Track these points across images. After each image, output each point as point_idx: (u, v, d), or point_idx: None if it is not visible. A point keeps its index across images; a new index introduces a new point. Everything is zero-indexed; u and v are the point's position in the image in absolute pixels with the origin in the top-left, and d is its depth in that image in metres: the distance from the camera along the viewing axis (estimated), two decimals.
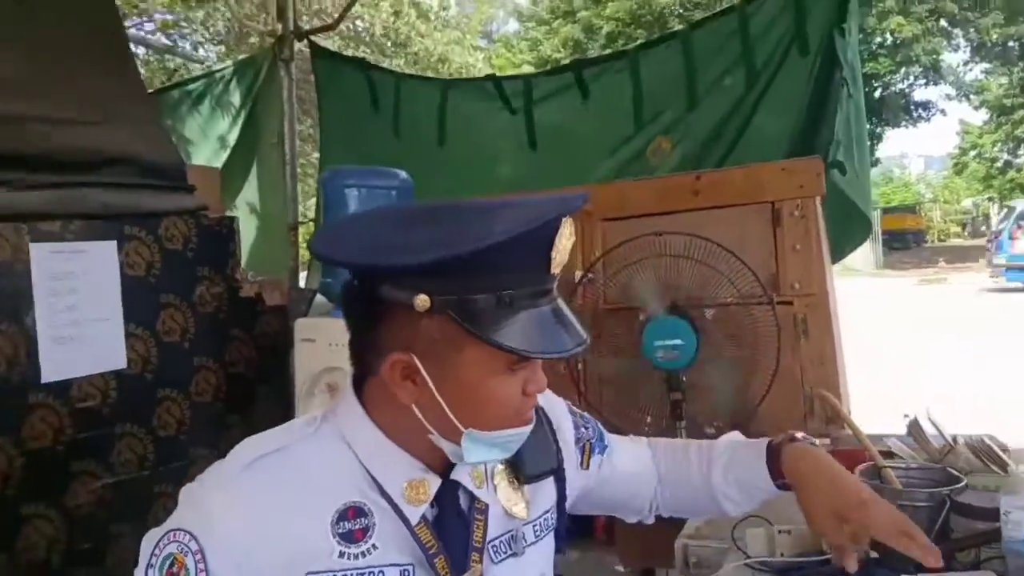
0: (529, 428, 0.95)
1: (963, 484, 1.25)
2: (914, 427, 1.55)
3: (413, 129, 3.84)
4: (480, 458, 0.93)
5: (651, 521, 1.26)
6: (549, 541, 1.07)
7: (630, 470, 1.21)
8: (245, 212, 4.23)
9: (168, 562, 0.89)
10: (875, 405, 1.97)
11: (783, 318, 2.38)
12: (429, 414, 0.90)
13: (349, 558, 0.91)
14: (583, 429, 1.17)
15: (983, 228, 22.95)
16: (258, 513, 0.89)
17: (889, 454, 1.51)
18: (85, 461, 2.05)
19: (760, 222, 2.53)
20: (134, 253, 2.25)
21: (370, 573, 0.91)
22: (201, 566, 0.88)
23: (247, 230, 3.85)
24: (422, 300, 0.85)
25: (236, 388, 2.47)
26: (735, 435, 1.24)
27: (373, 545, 0.92)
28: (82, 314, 2.08)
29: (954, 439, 1.48)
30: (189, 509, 0.92)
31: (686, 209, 2.56)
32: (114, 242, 2.18)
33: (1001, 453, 1.35)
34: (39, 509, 1.94)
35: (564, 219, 0.88)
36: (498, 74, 4.77)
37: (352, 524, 0.91)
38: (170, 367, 2.30)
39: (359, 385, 0.98)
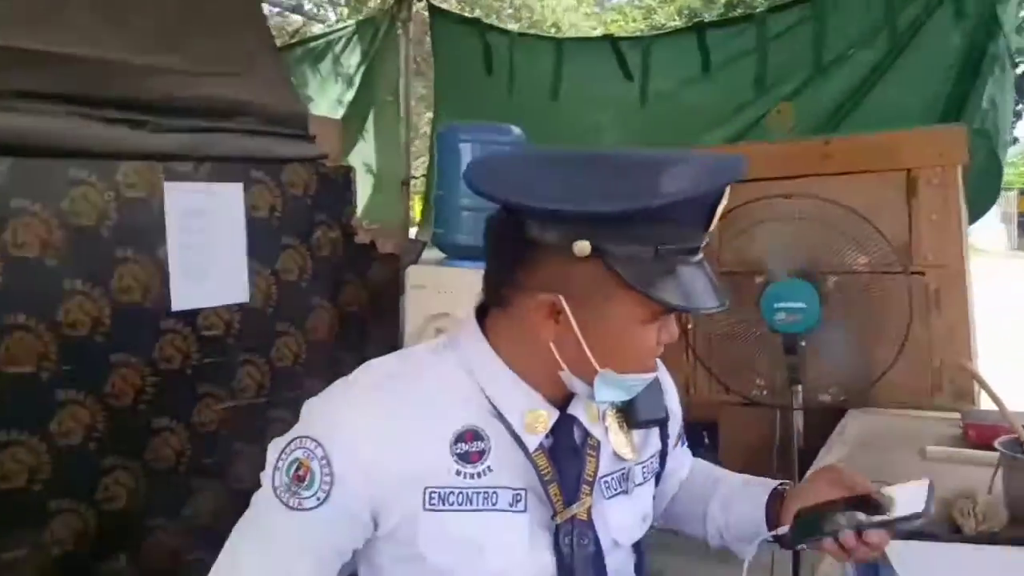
0: (653, 375, 0.97)
1: None
2: None
3: (527, 88, 3.82)
4: (608, 397, 0.95)
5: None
6: (652, 485, 1.09)
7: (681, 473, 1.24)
8: (360, 167, 4.34)
9: (294, 466, 0.91)
10: (1008, 388, 1.84)
11: (914, 289, 2.26)
12: (566, 352, 0.91)
13: (465, 477, 0.92)
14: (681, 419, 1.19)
15: None
16: (383, 427, 0.91)
17: None
18: (209, 384, 2.16)
19: (892, 190, 2.42)
20: (258, 196, 2.32)
21: (485, 493, 0.93)
22: (327, 471, 0.90)
23: (362, 184, 3.94)
24: (583, 246, 0.85)
25: (349, 328, 2.53)
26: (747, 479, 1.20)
27: (488, 467, 0.93)
28: (210, 250, 2.18)
29: None
30: (316, 419, 0.94)
31: (814, 174, 2.46)
32: (240, 184, 2.26)
33: None
34: (168, 423, 2.06)
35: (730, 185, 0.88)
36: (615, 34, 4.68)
37: (469, 446, 0.93)
38: (288, 304, 2.38)
39: (481, 315, 0.99)
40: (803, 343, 2.17)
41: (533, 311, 0.90)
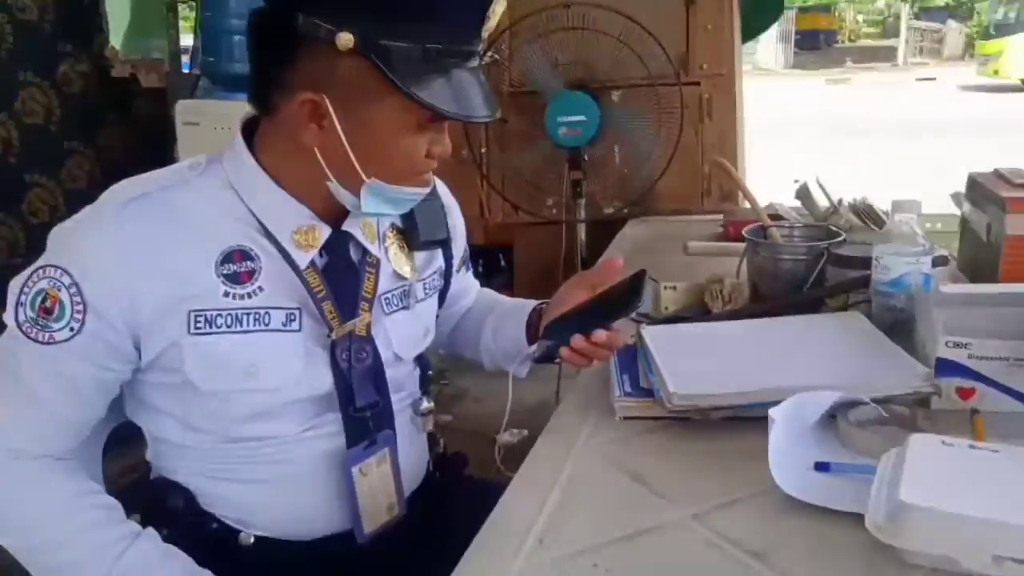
0: (426, 191, 0.95)
1: (841, 239, 1.29)
2: (802, 192, 1.58)
3: None
4: (376, 209, 0.92)
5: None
6: (434, 301, 1.10)
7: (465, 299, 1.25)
8: None
9: (40, 298, 0.85)
10: (770, 189, 2.02)
11: (689, 98, 2.36)
12: (331, 160, 0.88)
13: (235, 298, 0.89)
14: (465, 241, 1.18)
15: (894, 28, 23.03)
16: (137, 248, 0.85)
17: (777, 216, 1.54)
18: None
19: (674, 1, 2.44)
20: None
21: (256, 314, 0.90)
22: (77, 299, 0.84)
23: (119, 10, 3.48)
24: (346, 38, 0.80)
25: (113, 175, 2.31)
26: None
27: (259, 287, 0.90)
28: None
29: (839, 201, 1.52)
30: (61, 246, 0.87)
31: None
32: None
33: (880, 212, 1.39)
34: None
35: None
36: None
37: (237, 267, 0.90)
38: (36, 151, 2.13)
39: (249, 131, 0.94)
40: (586, 157, 2.23)
41: (296, 113, 0.86)
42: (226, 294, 0.88)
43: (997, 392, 0.95)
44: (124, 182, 0.91)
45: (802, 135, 8.97)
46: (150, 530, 0.92)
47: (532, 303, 1.15)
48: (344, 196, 0.91)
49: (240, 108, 2.32)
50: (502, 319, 1.17)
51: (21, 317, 0.85)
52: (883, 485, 0.73)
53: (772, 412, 0.83)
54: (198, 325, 0.87)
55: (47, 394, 0.87)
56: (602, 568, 0.71)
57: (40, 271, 0.86)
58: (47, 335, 0.85)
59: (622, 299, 0.98)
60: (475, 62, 0.88)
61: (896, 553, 0.69)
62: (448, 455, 1.17)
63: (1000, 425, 0.91)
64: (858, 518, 0.71)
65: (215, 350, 0.88)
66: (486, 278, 2.84)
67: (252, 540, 0.95)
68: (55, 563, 0.89)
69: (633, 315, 1.24)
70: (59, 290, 0.84)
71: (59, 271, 0.84)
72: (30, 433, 0.89)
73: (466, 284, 1.23)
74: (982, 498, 0.69)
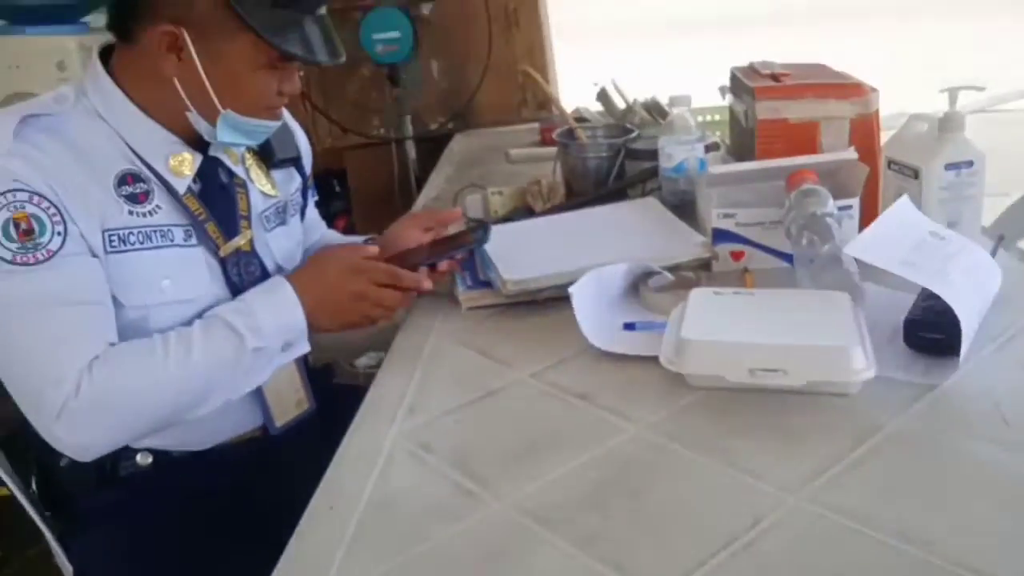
0: (277, 124, 1.04)
1: (635, 135, 1.48)
2: (602, 95, 1.76)
3: None
4: (230, 139, 1.00)
5: None
6: (299, 218, 1.21)
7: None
8: None
9: (10, 227, 0.86)
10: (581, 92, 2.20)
11: (495, 11, 2.47)
12: (189, 90, 0.95)
13: (138, 216, 0.95)
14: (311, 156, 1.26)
15: None
16: (52, 165, 0.89)
17: (582, 119, 1.72)
18: None
19: None
20: None
21: (160, 230, 0.97)
22: (45, 204, 0.87)
23: None
24: None
25: None
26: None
27: (157, 206, 0.97)
28: None
29: (633, 101, 1.71)
30: None
31: None
32: None
33: (665, 107, 1.60)
34: None
35: None
36: None
37: (133, 188, 0.96)
38: None
39: (106, 58, 0.98)
40: (404, 74, 2.31)
41: (155, 43, 0.92)
42: (131, 212, 0.94)
43: (760, 251, 1.18)
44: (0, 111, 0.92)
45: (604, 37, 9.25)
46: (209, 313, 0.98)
47: (359, 240, 1.27)
48: (203, 126, 0.98)
49: (33, 45, 2.17)
50: None
51: (6, 255, 0.86)
52: (672, 330, 0.94)
53: (571, 289, 1.00)
54: (113, 244, 0.93)
55: (75, 297, 0.89)
56: (463, 423, 0.88)
57: None
58: (43, 251, 0.87)
59: (468, 239, 1.14)
60: (322, 10, 0.98)
61: (684, 380, 0.89)
62: (318, 367, 1.28)
63: (764, 279, 1.13)
64: (656, 360, 0.90)
65: (132, 266, 0.94)
66: (324, 204, 2.86)
67: (150, 459, 1.02)
68: (198, 395, 0.95)
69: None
70: (23, 208, 0.86)
71: (9, 195, 0.86)
72: (89, 338, 0.90)
73: (314, 216, 1.32)
74: (740, 328, 0.90)
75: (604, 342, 0.98)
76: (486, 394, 0.93)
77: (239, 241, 1.05)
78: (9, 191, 0.86)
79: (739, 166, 1.24)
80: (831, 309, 0.92)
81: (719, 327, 0.91)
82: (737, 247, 1.18)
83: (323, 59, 0.98)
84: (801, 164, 1.15)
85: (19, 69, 2.10)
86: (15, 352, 0.89)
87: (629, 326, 1.04)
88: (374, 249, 1.09)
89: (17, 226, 0.86)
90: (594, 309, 1.03)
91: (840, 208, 1.09)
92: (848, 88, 1.25)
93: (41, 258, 0.87)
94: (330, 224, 1.44)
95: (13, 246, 0.86)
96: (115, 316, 0.94)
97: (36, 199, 0.87)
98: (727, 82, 1.46)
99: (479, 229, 1.16)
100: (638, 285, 1.13)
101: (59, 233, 0.88)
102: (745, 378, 0.86)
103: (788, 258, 1.13)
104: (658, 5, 12.05)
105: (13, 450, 1.09)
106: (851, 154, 1.17)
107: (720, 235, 1.17)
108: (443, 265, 1.13)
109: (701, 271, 1.17)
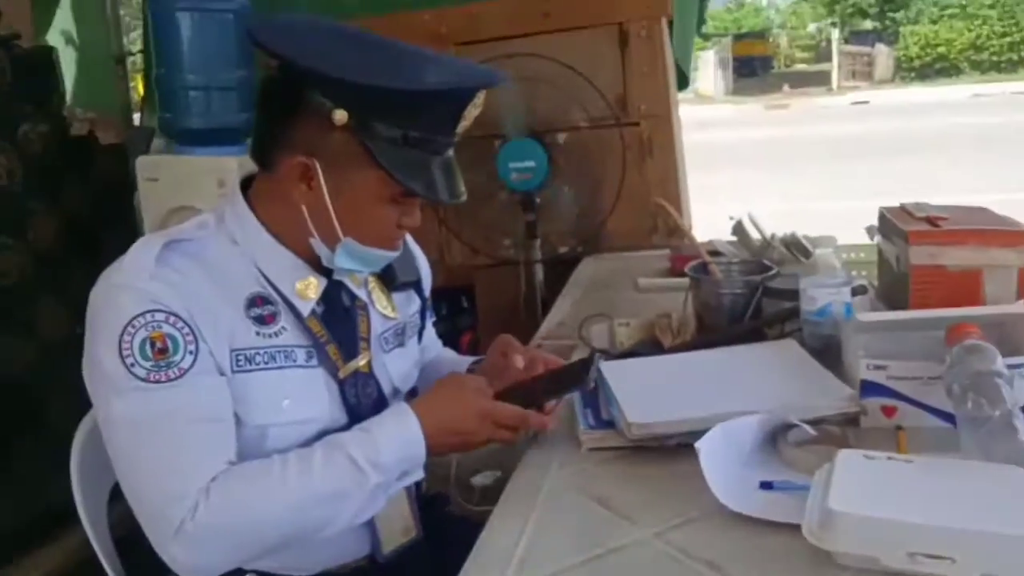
0: (395, 254, 1.07)
1: (774, 272, 1.41)
2: (737, 228, 1.71)
3: None
4: (347, 265, 1.03)
5: None
6: (417, 338, 1.23)
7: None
8: (61, 43, 3.81)
9: (147, 345, 0.90)
10: (712, 220, 2.17)
11: (630, 139, 2.49)
12: (315, 218, 0.99)
13: (264, 337, 0.98)
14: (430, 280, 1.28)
15: (826, 53, 23.88)
16: (188, 288, 0.93)
17: (716, 253, 1.67)
18: None
19: (609, 44, 2.57)
20: None
21: (285, 351, 1.00)
22: (180, 324, 0.91)
23: (67, 64, 3.50)
24: (341, 115, 0.93)
25: (77, 233, 2.35)
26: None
27: (283, 327, 1.00)
28: None
29: (771, 236, 1.65)
30: (131, 301, 0.91)
31: (537, 32, 2.55)
32: None
33: (807, 244, 1.53)
34: None
35: (482, 91, 0.98)
36: None
37: (261, 310, 0.99)
38: (0, 213, 2.15)
39: (246, 185, 1.05)
40: (538, 200, 2.35)
41: (289, 172, 0.97)
42: (257, 333, 0.98)
43: (915, 408, 1.07)
44: (145, 237, 0.98)
45: (745, 162, 9.27)
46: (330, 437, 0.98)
47: (467, 362, 1.27)
48: (323, 252, 1.02)
49: (196, 165, 2.36)
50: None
51: (141, 373, 0.89)
52: (816, 497, 0.84)
53: (697, 445, 0.92)
54: (239, 363, 0.96)
55: (201, 414, 0.92)
56: None
57: (129, 327, 0.89)
58: (175, 370, 0.90)
59: (573, 378, 1.09)
60: (449, 152, 1.01)
61: (829, 556, 0.79)
62: (430, 495, 1.25)
63: (921, 439, 1.02)
64: (798, 528, 0.81)
65: (255, 385, 0.96)
66: (450, 319, 2.93)
67: None
68: (315, 523, 0.95)
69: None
70: (160, 328, 0.90)
71: (148, 315, 0.90)
72: (211, 456, 0.92)
73: (432, 336, 1.33)
74: (898, 503, 0.80)
75: (738, 502, 0.89)
76: (605, 552, 0.85)
77: (358, 362, 1.06)
78: (148, 311, 0.91)
79: (891, 314, 1.15)
80: (1007, 487, 0.80)
81: (872, 499, 0.81)
82: (889, 402, 1.07)
83: (444, 198, 1.01)
84: (963, 316, 1.05)
85: (185, 185, 2.28)
86: (139, 467, 0.91)
87: (766, 485, 0.95)
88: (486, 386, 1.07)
89: (153, 345, 0.90)
90: (725, 463, 0.95)
91: (1010, 366, 0.98)
92: (1014, 235, 1.16)
93: (173, 376, 0.90)
94: (456, 339, 1.46)
95: (148, 364, 0.90)
96: (235, 434, 0.95)
97: (172, 319, 0.91)
98: (875, 221, 1.38)
99: (588, 368, 1.08)
100: (776, 436, 1.04)
101: (191, 352, 0.91)
102: (904, 563, 0.75)
103: (949, 418, 1.01)
104: (795, 131, 12.02)
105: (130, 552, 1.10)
106: (1021, 307, 1.06)
107: (869, 388, 1.07)
108: (551, 405, 1.09)
109: (847, 426, 1.07)
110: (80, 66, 3.83)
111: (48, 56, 2.38)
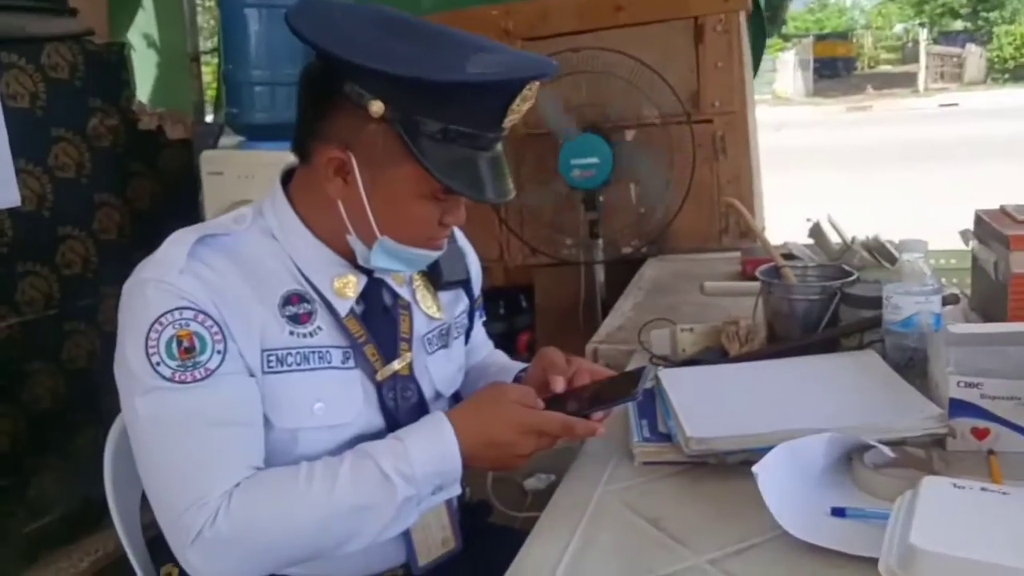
0: (436, 254, 1.01)
1: (854, 278, 1.30)
2: (815, 230, 1.60)
3: None
4: (384, 265, 0.97)
5: None
6: (463, 339, 1.17)
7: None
8: (141, 43, 3.93)
9: (173, 344, 0.87)
10: (788, 223, 2.05)
11: (702, 137, 2.39)
12: (351, 214, 0.94)
13: (298, 336, 0.94)
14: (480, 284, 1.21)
15: (913, 54, 23.01)
16: (220, 281, 0.90)
17: (790, 256, 1.56)
18: None
19: (683, 39, 2.49)
20: (15, 83, 2.08)
21: (319, 352, 0.95)
22: (208, 322, 0.88)
23: (144, 63, 3.60)
24: (378, 106, 0.88)
25: (142, 225, 2.38)
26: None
27: (319, 327, 0.96)
28: None
29: (852, 239, 1.54)
30: (159, 297, 0.88)
31: (608, 27, 2.48)
32: None
33: (892, 249, 1.41)
34: None
35: (532, 83, 0.89)
36: None
37: (296, 308, 0.95)
38: (68, 204, 2.20)
39: (287, 179, 1.00)
40: (601, 198, 2.27)
41: (324, 165, 0.92)
42: (292, 333, 0.93)
43: (1012, 431, 0.95)
44: (180, 231, 0.94)
45: (823, 164, 8.97)
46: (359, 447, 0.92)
47: (516, 368, 1.20)
48: (359, 249, 0.97)
49: (259, 159, 2.38)
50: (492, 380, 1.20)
51: (166, 372, 0.86)
52: (896, 529, 0.75)
53: (755, 469, 0.83)
54: (270, 364, 0.92)
55: (226, 417, 0.88)
56: None
57: (156, 324, 0.86)
58: (202, 370, 0.87)
59: (622, 390, 1.00)
60: (496, 147, 0.94)
61: None
62: (473, 503, 1.19)
63: (1016, 465, 0.91)
64: (873, 562, 0.72)
65: (287, 387, 0.92)
66: (508, 319, 2.88)
67: None
68: (339, 537, 0.89)
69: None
70: (187, 326, 0.87)
71: (176, 312, 0.87)
72: (235, 462, 0.88)
73: (481, 335, 1.26)
74: (991, 542, 0.70)
75: (805, 530, 0.80)
76: None
77: (397, 365, 1.01)
78: (177, 308, 0.87)
79: (987, 327, 1.04)
80: None
81: (962, 536, 0.71)
82: (981, 424, 0.96)
83: (490, 197, 0.94)
84: None
85: (249, 179, 2.29)
86: (160, 470, 0.88)
87: (838, 512, 0.85)
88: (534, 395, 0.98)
89: (180, 343, 0.87)
90: (791, 486, 0.86)
91: None
92: None
93: (199, 376, 0.87)
94: (513, 339, 1.38)
95: (174, 363, 0.86)
96: (264, 437, 0.91)
97: (200, 317, 0.88)
98: (970, 224, 1.26)
99: (639, 380, 0.99)
100: (851, 457, 0.94)
101: (219, 352, 0.88)
102: None
103: None
104: (878, 134, 11.61)
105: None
106: None
107: (959, 407, 0.96)
108: (598, 416, 1.00)
109: (933, 449, 0.96)
110: (158, 63, 3.94)
111: (120, 52, 2.42)
